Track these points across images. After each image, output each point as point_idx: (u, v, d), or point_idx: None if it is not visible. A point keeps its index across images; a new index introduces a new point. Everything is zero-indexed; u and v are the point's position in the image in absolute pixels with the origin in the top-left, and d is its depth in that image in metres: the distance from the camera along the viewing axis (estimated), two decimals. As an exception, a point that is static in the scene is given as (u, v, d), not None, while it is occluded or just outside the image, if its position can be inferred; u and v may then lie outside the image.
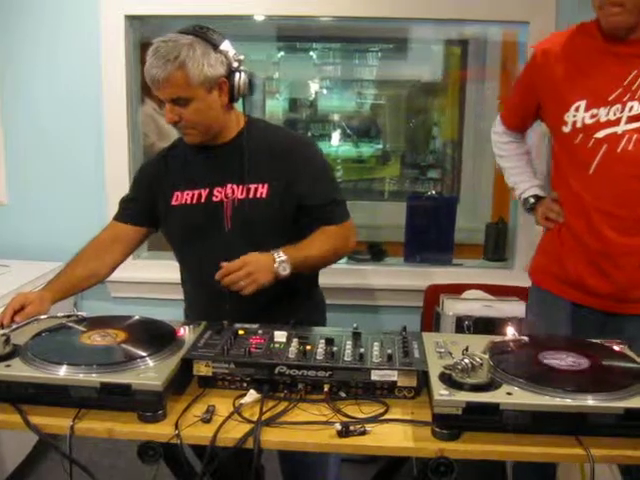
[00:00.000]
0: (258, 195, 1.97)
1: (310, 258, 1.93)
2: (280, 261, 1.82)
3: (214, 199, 1.99)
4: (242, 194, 1.97)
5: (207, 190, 2.00)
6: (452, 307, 2.80)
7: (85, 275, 2.04)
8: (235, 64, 1.90)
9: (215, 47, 1.85)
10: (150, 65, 1.81)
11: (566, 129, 2.06)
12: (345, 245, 2.07)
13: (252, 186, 1.97)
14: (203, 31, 1.86)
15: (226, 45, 1.88)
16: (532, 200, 2.32)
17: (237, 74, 1.90)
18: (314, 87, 5.06)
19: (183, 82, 1.82)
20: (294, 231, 2.02)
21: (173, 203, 2.02)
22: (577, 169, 2.07)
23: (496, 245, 3.41)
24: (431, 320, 2.96)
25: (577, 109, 2.02)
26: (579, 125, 2.02)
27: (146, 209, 2.09)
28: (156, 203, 2.07)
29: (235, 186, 1.98)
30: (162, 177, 2.07)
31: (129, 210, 2.13)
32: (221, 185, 1.99)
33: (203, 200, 1.99)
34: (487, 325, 2.70)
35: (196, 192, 2.00)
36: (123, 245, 2.11)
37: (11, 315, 1.77)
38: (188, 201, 2.00)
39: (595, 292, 2.11)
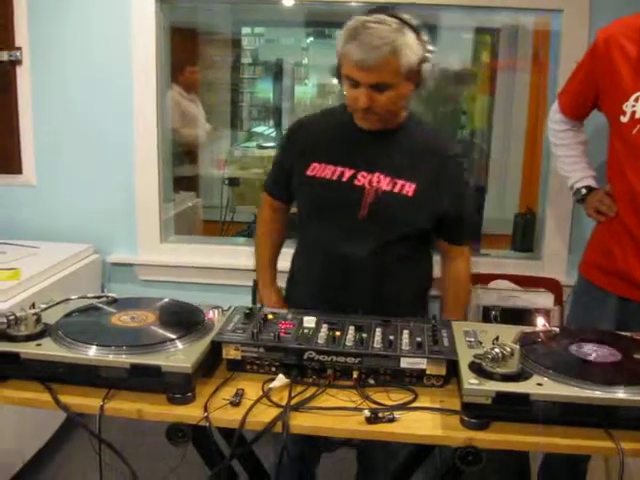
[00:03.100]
0: (404, 192, 1.92)
1: None
2: None
3: (356, 182, 1.93)
4: (388, 186, 1.92)
5: (352, 171, 1.93)
6: (479, 297, 2.78)
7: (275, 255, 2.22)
8: (428, 54, 1.84)
9: (418, 34, 1.80)
10: (358, 44, 1.73)
11: (624, 119, 2.01)
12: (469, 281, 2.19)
13: (400, 181, 1.92)
14: (401, 15, 1.79)
15: (423, 33, 1.83)
16: (584, 191, 2.29)
17: (429, 64, 1.85)
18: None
19: (393, 68, 1.76)
20: (421, 240, 2.04)
21: (308, 173, 1.97)
22: (633, 161, 2.03)
23: (524, 236, 3.38)
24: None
25: (637, 99, 1.98)
26: (638, 116, 1.98)
27: (287, 182, 2.07)
28: (293, 171, 2.04)
29: (383, 176, 1.93)
30: (303, 144, 2.02)
31: (277, 188, 2.16)
32: (368, 171, 1.93)
33: (345, 179, 1.93)
34: (514, 315, 2.68)
35: (338, 169, 1.94)
36: (284, 218, 2.23)
37: None
38: (328, 175, 1.94)
39: None
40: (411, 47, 1.77)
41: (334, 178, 1.94)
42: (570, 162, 2.33)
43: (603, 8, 2.80)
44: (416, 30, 1.80)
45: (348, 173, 1.94)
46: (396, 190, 1.92)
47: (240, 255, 3.15)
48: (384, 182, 1.92)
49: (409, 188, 1.92)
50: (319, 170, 1.96)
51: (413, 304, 2.07)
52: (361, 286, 1.97)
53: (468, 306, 2.24)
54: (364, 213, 1.93)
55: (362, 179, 1.93)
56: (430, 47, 1.84)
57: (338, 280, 1.97)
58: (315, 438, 2.05)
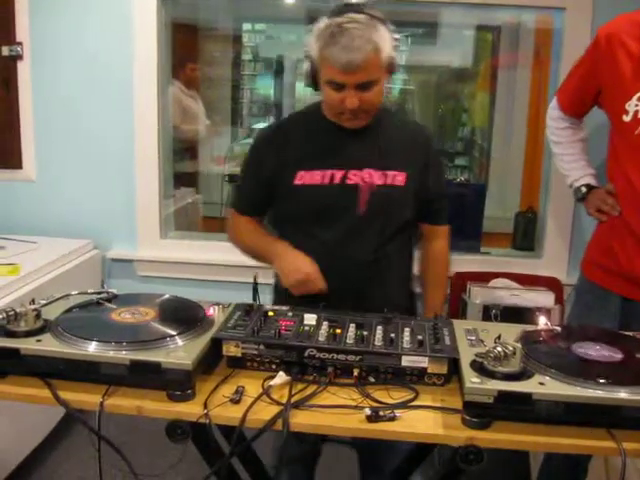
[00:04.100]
0: (396, 183, 1.95)
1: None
2: None
3: (348, 181, 1.93)
4: (380, 180, 1.94)
5: (342, 172, 1.93)
6: (479, 295, 2.78)
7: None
8: (396, 42, 1.85)
9: (385, 25, 1.80)
10: (340, 48, 1.72)
11: (627, 118, 2.00)
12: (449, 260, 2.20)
13: (390, 173, 1.94)
14: (367, 10, 1.79)
15: (388, 24, 1.83)
16: (584, 190, 2.27)
17: (397, 53, 1.85)
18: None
19: (377, 65, 1.77)
20: (411, 230, 2.07)
21: (296, 182, 1.94)
22: (636, 160, 2.02)
23: (525, 234, 3.38)
24: (457, 308, 2.94)
25: None
26: None
27: (266, 194, 2.04)
28: (274, 183, 2.00)
29: (373, 171, 1.93)
30: (281, 154, 1.98)
31: (254, 203, 2.10)
32: (358, 168, 1.93)
33: (337, 181, 1.93)
34: (514, 314, 2.68)
35: (328, 172, 1.93)
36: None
37: None
38: (318, 181, 1.93)
39: None
40: (385, 39, 1.78)
41: (326, 182, 1.94)
42: (569, 160, 2.32)
43: (606, 6, 2.80)
44: (382, 21, 1.80)
45: (339, 174, 1.94)
46: (389, 182, 1.94)
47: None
48: (376, 176, 1.94)
49: (400, 177, 1.95)
50: (308, 177, 1.94)
51: (403, 297, 2.12)
52: (362, 285, 1.97)
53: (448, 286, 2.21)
54: (363, 210, 1.94)
55: (354, 177, 1.93)
56: (396, 35, 1.85)
57: (341, 281, 1.95)
58: (314, 440, 2.07)
